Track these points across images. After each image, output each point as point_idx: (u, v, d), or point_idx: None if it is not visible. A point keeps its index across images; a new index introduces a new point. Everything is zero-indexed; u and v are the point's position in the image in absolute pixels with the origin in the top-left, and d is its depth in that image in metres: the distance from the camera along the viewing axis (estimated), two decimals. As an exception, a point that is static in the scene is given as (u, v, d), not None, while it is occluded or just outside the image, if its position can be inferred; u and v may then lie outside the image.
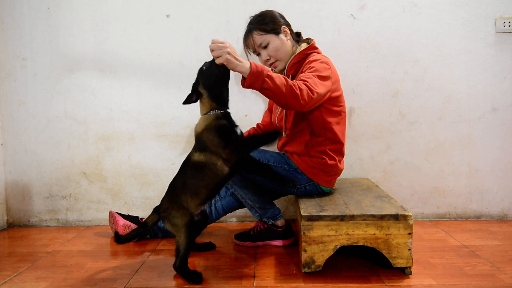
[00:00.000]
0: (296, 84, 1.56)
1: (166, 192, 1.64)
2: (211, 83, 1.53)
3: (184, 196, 1.57)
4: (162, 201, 1.64)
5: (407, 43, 2.25)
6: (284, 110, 1.91)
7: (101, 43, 2.30)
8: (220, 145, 1.49)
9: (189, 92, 1.60)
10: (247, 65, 1.50)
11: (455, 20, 2.23)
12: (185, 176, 1.58)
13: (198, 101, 1.59)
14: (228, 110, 1.58)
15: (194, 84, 1.58)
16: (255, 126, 2.17)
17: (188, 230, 1.55)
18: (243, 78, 1.53)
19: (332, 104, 1.80)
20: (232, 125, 1.55)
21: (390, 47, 2.25)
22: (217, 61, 1.49)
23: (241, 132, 1.58)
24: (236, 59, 1.49)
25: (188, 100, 1.57)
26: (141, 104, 2.33)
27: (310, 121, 1.80)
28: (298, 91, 1.55)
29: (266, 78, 1.50)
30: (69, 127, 2.35)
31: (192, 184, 1.55)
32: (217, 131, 1.50)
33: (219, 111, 1.55)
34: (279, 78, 1.53)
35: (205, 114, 1.57)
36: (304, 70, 1.76)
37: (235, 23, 2.26)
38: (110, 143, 2.35)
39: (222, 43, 1.49)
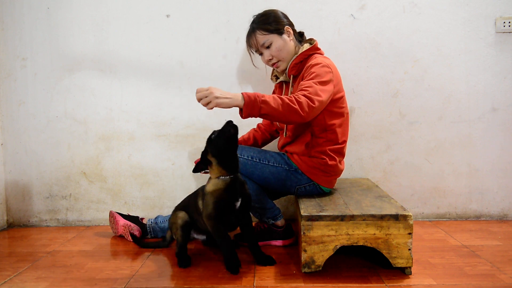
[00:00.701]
0: (293, 98, 1.58)
1: (183, 200, 1.89)
2: (219, 152, 1.59)
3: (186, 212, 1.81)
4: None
5: (407, 43, 2.25)
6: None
7: (101, 43, 2.30)
8: (207, 214, 1.62)
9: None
10: (239, 97, 1.53)
11: (455, 20, 2.23)
12: (191, 203, 1.80)
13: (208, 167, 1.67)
14: (237, 175, 1.63)
15: (203, 152, 1.64)
16: (256, 127, 2.17)
17: (183, 230, 1.76)
18: (240, 110, 1.56)
19: (334, 106, 1.79)
20: (233, 198, 1.61)
21: (390, 47, 2.25)
22: (208, 108, 1.52)
23: (246, 200, 1.65)
24: (226, 97, 1.52)
25: (198, 169, 1.66)
26: (141, 104, 2.33)
27: (312, 123, 1.80)
28: (296, 106, 1.56)
29: (261, 105, 1.54)
30: (69, 127, 2.35)
31: (191, 213, 1.78)
32: (214, 205, 1.60)
33: (228, 177, 1.61)
34: (274, 100, 1.55)
35: (216, 178, 1.63)
36: (305, 75, 1.76)
37: (235, 23, 2.26)
38: (110, 143, 2.35)
39: (207, 89, 1.52)
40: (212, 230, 1.63)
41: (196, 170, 1.66)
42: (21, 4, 2.29)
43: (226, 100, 1.51)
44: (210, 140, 1.62)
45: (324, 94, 1.66)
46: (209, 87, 1.53)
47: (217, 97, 1.50)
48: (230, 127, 1.56)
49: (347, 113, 1.88)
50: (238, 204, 1.63)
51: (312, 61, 1.79)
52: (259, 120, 2.25)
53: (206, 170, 1.67)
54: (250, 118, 1.58)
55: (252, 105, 1.53)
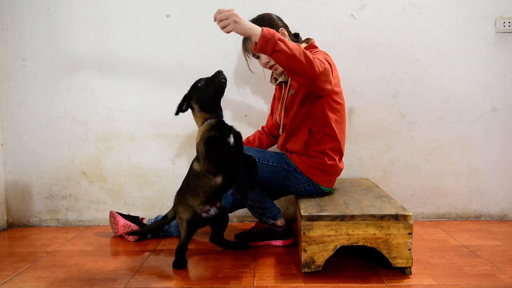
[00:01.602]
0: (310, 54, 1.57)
1: (179, 188, 1.77)
2: (204, 100, 1.58)
3: (188, 195, 1.69)
4: (175, 195, 1.78)
5: (407, 43, 2.25)
6: (284, 108, 1.91)
7: (101, 43, 2.30)
8: (203, 157, 1.56)
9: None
10: (259, 28, 1.50)
11: (455, 20, 2.23)
12: (188, 178, 1.71)
13: (192, 114, 1.66)
14: (221, 119, 1.59)
15: (185, 95, 1.63)
16: (260, 130, 2.17)
17: (188, 224, 1.67)
18: (255, 43, 1.52)
19: (333, 99, 1.81)
20: (224, 134, 1.56)
21: (390, 47, 2.25)
22: (225, 31, 1.48)
23: (238, 138, 1.59)
24: (246, 24, 1.48)
25: (179, 110, 1.64)
26: (141, 104, 2.33)
27: (311, 115, 1.81)
28: (311, 58, 1.54)
29: (278, 41, 1.50)
30: (69, 127, 2.35)
31: (192, 187, 1.68)
32: (205, 143, 1.55)
33: (212, 120, 1.59)
34: (292, 43, 1.53)
35: (200, 125, 1.61)
36: None
37: (235, 23, 2.26)
38: (110, 143, 2.35)
39: (229, 11, 1.48)
40: (214, 168, 1.56)
41: (177, 111, 1.64)
42: (21, 4, 2.29)
43: (245, 25, 1.48)
44: (196, 87, 1.60)
45: (327, 65, 1.64)
46: (232, 9, 1.49)
47: (236, 21, 1.47)
48: (222, 76, 1.54)
49: (344, 111, 1.89)
50: (232, 140, 1.58)
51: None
52: (263, 123, 2.25)
53: None
54: (264, 52, 1.52)
55: (269, 38, 1.49)
